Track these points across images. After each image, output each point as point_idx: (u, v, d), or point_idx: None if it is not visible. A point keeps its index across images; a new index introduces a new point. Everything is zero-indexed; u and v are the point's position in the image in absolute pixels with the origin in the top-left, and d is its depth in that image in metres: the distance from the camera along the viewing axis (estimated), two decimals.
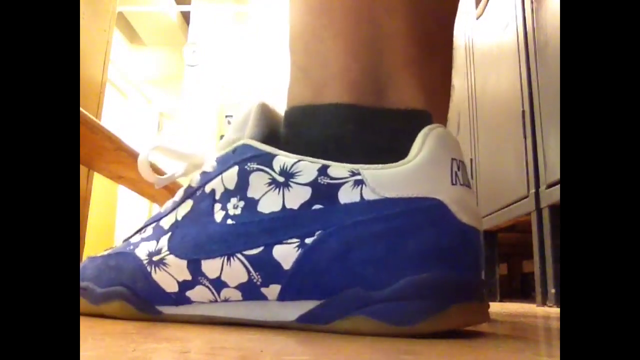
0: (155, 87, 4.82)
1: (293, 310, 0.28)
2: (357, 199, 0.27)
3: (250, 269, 0.28)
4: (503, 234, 1.46)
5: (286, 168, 0.28)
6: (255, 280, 0.28)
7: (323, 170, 0.28)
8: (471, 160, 1.61)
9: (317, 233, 0.27)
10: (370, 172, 0.27)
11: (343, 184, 0.27)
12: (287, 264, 0.27)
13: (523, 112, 1.19)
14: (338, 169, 0.28)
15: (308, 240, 0.27)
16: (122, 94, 4.40)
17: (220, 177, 0.30)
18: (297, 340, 0.24)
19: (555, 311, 0.81)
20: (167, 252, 0.31)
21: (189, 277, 0.30)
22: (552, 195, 1.03)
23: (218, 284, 0.29)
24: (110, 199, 3.76)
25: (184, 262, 0.30)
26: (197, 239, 0.30)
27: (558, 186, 1.01)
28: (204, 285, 0.30)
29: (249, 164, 0.29)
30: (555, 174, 1.03)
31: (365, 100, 0.31)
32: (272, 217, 0.28)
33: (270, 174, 0.29)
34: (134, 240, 0.34)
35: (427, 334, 0.26)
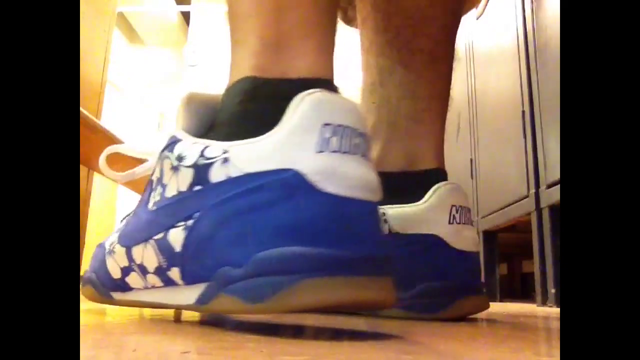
0: (155, 87, 4.81)
1: (192, 294, 0.28)
2: (224, 177, 0.26)
3: (158, 253, 0.29)
4: (503, 234, 1.46)
5: (180, 152, 0.29)
6: (162, 264, 0.29)
7: (203, 151, 0.28)
8: (471, 160, 1.61)
9: (195, 215, 0.27)
10: (236, 148, 0.27)
11: (214, 163, 0.27)
12: (178, 247, 0.28)
13: (523, 112, 1.19)
14: (213, 148, 0.27)
15: (189, 222, 0.27)
16: (122, 94, 4.40)
17: (155, 167, 0.32)
18: (297, 340, 0.24)
19: (555, 311, 0.81)
20: (117, 241, 0.33)
21: (127, 264, 0.32)
22: (552, 195, 1.03)
23: (142, 269, 0.31)
24: (110, 199, 3.76)
25: (123, 249, 0.32)
26: (134, 227, 0.32)
27: (558, 186, 1.01)
28: (135, 271, 0.32)
29: (164, 152, 0.30)
30: (555, 174, 1.03)
31: (267, 71, 0.30)
32: (170, 201, 0.29)
33: (171, 159, 0.29)
34: (115, 231, 0.37)
35: (285, 311, 0.25)
